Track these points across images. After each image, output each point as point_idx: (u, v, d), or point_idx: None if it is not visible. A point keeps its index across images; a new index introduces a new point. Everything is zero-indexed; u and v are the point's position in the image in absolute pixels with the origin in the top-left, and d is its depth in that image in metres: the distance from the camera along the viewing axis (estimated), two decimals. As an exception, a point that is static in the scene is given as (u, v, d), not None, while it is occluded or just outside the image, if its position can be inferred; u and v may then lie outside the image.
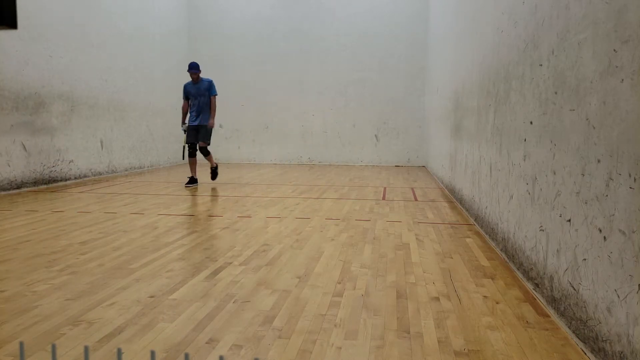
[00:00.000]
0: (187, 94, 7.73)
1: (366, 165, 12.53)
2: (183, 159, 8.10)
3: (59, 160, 7.98)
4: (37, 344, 2.09)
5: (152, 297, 2.70)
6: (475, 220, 4.90)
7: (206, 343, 2.13)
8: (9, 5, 0.56)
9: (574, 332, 2.22)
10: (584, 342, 2.10)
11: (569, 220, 2.32)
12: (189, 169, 7.91)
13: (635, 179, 1.72)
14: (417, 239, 4.21)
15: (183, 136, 8.49)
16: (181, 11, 12.71)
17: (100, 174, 9.16)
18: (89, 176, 8.80)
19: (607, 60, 1.96)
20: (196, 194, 6.87)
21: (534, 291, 2.82)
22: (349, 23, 12.54)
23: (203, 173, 9.03)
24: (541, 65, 2.82)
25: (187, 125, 7.72)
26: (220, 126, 12.97)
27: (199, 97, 7.68)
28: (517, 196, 3.31)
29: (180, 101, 11.42)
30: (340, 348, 2.10)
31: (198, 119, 7.68)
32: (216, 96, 7.81)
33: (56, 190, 7.24)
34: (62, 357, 1.96)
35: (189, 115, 7.76)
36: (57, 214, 5.24)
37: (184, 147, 7.82)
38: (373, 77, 12.58)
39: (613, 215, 1.87)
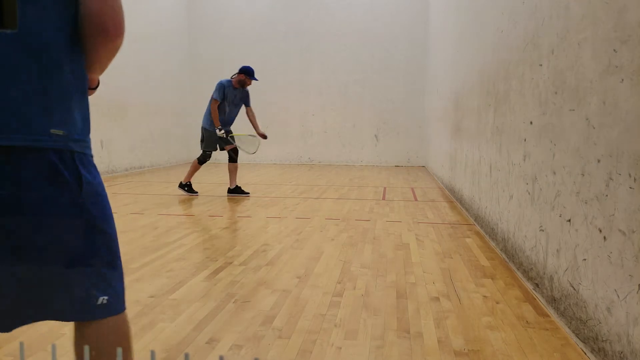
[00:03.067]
0: (225, 97, 7.16)
1: (366, 165, 12.53)
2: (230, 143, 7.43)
3: (59, 160, 7.97)
4: (37, 344, 2.09)
5: (152, 297, 2.70)
6: (475, 220, 4.90)
7: (206, 343, 2.13)
8: (9, 6, 0.56)
9: (574, 332, 2.22)
10: (584, 342, 2.10)
11: (569, 220, 2.32)
12: (230, 177, 6.96)
13: (635, 179, 1.72)
14: (417, 239, 4.21)
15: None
16: (181, 11, 12.71)
17: (100, 173, 9.15)
18: (89, 176, 8.78)
19: (607, 60, 1.96)
20: (196, 194, 6.86)
21: (533, 291, 2.82)
22: (349, 23, 12.53)
23: (203, 176, 9.01)
24: (541, 65, 2.82)
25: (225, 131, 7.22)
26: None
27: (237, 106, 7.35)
28: (517, 196, 3.31)
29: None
30: (340, 348, 2.10)
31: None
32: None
33: (56, 190, 7.21)
34: (62, 357, 1.96)
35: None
36: (57, 214, 5.23)
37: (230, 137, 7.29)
38: (373, 77, 12.58)
39: (613, 215, 1.88)
